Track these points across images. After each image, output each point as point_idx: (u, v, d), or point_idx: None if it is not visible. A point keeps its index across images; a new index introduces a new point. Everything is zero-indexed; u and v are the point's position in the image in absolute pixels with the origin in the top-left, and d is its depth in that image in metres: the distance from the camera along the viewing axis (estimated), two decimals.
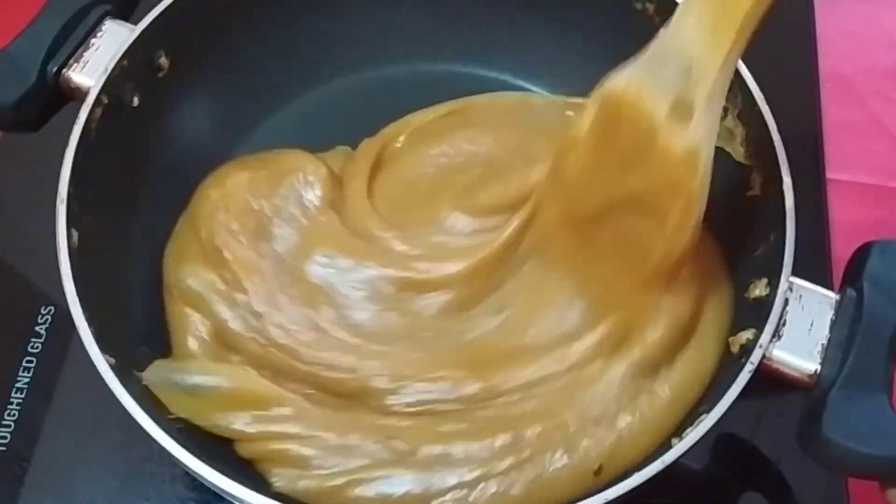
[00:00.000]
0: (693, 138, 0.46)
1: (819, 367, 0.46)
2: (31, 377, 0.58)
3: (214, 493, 0.44)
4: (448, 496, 0.48)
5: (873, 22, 0.76)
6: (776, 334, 0.47)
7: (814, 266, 0.54)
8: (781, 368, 0.47)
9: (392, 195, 0.59)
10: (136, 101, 0.55)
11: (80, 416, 0.57)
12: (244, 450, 0.50)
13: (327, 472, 0.49)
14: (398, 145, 0.61)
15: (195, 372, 0.50)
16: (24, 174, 0.65)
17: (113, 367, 0.45)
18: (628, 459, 0.48)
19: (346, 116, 0.64)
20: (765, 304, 0.48)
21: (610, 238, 0.50)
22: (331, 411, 0.51)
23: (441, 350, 0.52)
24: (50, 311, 0.60)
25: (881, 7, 0.77)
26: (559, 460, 0.48)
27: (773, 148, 0.51)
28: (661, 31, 0.47)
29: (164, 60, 0.57)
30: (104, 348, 0.46)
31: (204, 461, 0.44)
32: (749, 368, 0.46)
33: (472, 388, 0.51)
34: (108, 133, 0.53)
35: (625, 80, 0.47)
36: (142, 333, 0.52)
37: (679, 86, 0.46)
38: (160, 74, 0.57)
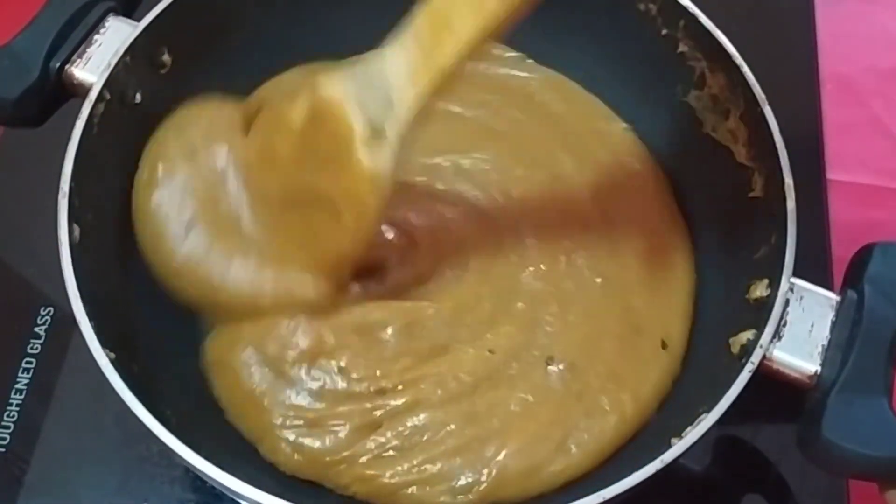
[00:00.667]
0: (378, 164, 0.47)
1: (819, 369, 0.46)
2: (30, 378, 0.58)
3: (214, 493, 0.44)
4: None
5: (873, 22, 0.76)
6: (776, 335, 0.47)
7: (814, 267, 0.54)
8: (782, 369, 0.47)
9: None
10: (138, 97, 0.55)
11: (79, 418, 0.57)
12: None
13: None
14: None
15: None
16: (26, 170, 0.65)
17: (113, 362, 0.45)
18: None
19: None
20: (765, 305, 0.48)
21: (297, 221, 0.51)
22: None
23: None
24: (49, 312, 0.60)
25: (881, 7, 0.77)
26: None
27: (775, 150, 0.51)
28: (373, 52, 0.47)
29: (166, 57, 0.57)
30: (104, 343, 0.46)
31: (204, 457, 0.44)
32: (749, 369, 0.46)
33: None
34: (110, 129, 0.53)
35: (337, 85, 0.48)
36: (142, 330, 0.52)
37: (377, 110, 0.47)
38: (162, 71, 0.57)
